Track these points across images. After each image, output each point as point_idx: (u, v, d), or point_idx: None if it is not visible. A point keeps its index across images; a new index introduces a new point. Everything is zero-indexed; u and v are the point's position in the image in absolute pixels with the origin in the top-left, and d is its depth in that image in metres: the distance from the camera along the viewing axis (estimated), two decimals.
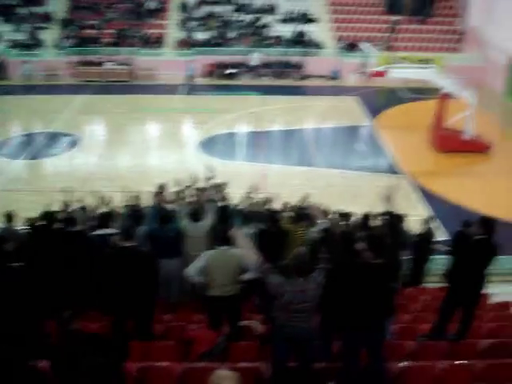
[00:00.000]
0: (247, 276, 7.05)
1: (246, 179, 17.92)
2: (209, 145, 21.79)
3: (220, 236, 7.28)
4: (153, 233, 8.67)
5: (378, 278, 5.92)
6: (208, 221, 8.83)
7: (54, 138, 22.49)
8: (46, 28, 33.71)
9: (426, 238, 10.99)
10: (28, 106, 26.86)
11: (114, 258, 6.83)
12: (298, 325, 5.89)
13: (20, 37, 32.73)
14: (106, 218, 8.63)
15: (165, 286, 8.69)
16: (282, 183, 18.05)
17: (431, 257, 11.26)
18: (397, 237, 8.79)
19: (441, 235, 13.53)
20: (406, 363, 6.26)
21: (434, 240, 11.32)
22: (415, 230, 11.09)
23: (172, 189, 11.11)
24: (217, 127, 23.85)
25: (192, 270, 7.22)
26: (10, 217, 9.09)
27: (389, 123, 24.65)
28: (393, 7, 34.65)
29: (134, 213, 9.63)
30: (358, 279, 5.89)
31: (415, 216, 13.60)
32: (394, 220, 9.13)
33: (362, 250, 5.93)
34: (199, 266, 7.17)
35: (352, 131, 24.13)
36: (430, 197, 17.53)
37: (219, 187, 11.09)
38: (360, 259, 5.96)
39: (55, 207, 10.07)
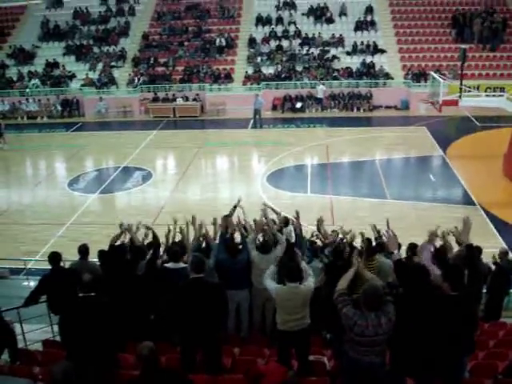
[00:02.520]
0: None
1: (313, 211, 17.94)
2: (277, 177, 21.86)
3: (290, 272, 7.16)
4: (221, 264, 8.71)
5: (457, 312, 5.72)
6: (277, 253, 8.79)
7: (127, 172, 23.15)
8: (119, 66, 35.02)
9: (503, 270, 10.58)
10: (102, 141, 27.85)
11: (184, 290, 6.93)
12: (368, 359, 5.76)
13: (94, 75, 34.08)
14: (177, 251, 8.72)
15: (234, 317, 8.71)
16: (351, 215, 17.86)
17: (510, 290, 10.84)
18: (474, 269, 8.52)
19: None
20: None
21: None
22: (491, 262, 10.72)
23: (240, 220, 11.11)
24: (285, 160, 23.95)
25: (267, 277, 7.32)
26: (83, 250, 9.31)
27: (461, 153, 24.09)
28: (462, 35, 34.17)
29: (203, 245, 9.70)
30: (435, 312, 5.71)
31: (490, 248, 13.17)
32: (470, 252, 8.86)
33: (439, 282, 5.78)
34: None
35: (423, 161, 23.68)
36: (504, 228, 16.89)
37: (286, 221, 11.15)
38: (437, 291, 5.80)
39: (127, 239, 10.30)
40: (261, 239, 9.57)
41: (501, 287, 10.52)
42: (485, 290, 10.21)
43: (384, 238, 9.61)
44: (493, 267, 10.61)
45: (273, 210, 11.30)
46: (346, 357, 5.90)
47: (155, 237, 9.31)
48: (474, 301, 6.52)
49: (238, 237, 9.99)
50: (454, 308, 5.71)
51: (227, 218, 10.00)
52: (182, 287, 7.05)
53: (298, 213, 10.18)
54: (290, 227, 11.54)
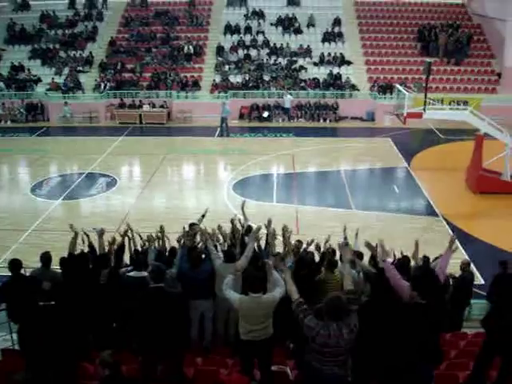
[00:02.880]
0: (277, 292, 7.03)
1: (279, 220, 17.96)
2: (243, 186, 21.87)
3: (253, 283, 7.12)
4: (183, 274, 8.65)
5: (425, 320, 5.77)
6: (241, 263, 8.76)
7: (91, 178, 22.89)
8: (85, 71, 34.68)
9: (465, 281, 10.73)
10: (66, 147, 27.52)
11: (143, 299, 6.87)
12: (330, 370, 5.76)
13: (60, 80, 33.68)
14: (140, 260, 8.66)
15: (197, 326, 8.66)
16: (316, 225, 17.96)
17: (471, 301, 11.00)
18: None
19: (478, 278, 13.24)
20: None
21: (473, 283, 11.07)
22: (453, 273, 10.88)
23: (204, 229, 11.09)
24: (251, 168, 23.99)
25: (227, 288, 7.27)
26: (46, 258, 9.15)
27: (424, 164, 24.45)
28: (427, 49, 34.77)
29: (165, 254, 9.65)
30: (404, 320, 5.74)
31: (452, 259, 13.36)
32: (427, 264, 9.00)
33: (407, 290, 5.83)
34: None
35: (387, 173, 23.97)
36: (466, 239, 17.14)
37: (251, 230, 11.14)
38: (404, 299, 5.84)
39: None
40: (225, 248, 9.57)
41: (462, 298, 10.67)
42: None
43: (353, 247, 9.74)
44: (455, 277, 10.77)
45: (244, 215, 11.24)
46: (308, 367, 5.89)
47: (123, 244, 9.23)
48: (441, 309, 6.56)
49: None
50: (423, 316, 5.75)
51: (193, 226, 9.97)
52: (141, 296, 6.98)
53: (270, 222, 10.21)
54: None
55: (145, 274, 8.15)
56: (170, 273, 8.45)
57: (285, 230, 10.20)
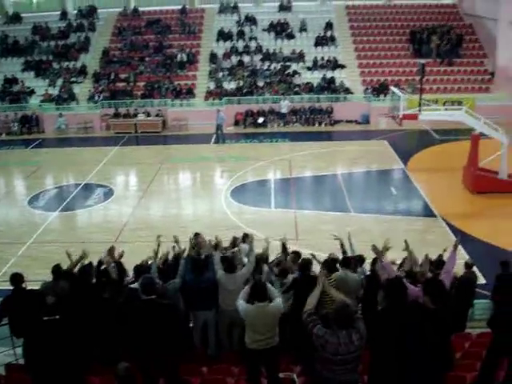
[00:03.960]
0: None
1: (277, 226, 17.99)
2: (240, 192, 21.86)
3: (257, 291, 7.11)
4: (187, 283, 8.63)
5: (437, 325, 5.73)
6: (244, 272, 8.75)
7: (88, 189, 22.84)
8: (79, 82, 34.67)
9: (467, 282, 10.71)
10: (62, 158, 27.47)
11: (135, 312, 6.85)
12: (343, 378, 5.72)
13: (54, 91, 33.64)
14: (140, 271, 8.63)
15: (199, 334, 8.63)
16: (314, 229, 17.96)
17: (474, 301, 10.99)
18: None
19: (479, 278, 13.22)
20: None
21: (476, 284, 11.06)
22: (455, 273, 10.86)
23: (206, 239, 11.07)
24: (248, 175, 23.99)
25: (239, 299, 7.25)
26: (56, 271, 9.08)
27: (421, 166, 24.47)
28: (420, 51, 34.87)
29: (165, 265, 9.60)
30: (417, 326, 5.71)
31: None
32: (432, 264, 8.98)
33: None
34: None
35: (384, 175, 23.99)
36: (465, 239, 17.09)
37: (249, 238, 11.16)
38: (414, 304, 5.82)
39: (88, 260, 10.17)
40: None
41: (465, 299, 10.65)
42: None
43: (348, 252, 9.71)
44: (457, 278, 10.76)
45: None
46: (319, 376, 5.84)
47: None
48: (451, 315, 6.54)
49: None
50: (435, 322, 5.73)
51: (198, 236, 9.99)
52: (132, 310, 6.96)
53: (284, 243, 10.23)
54: (246, 245, 11.53)
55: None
56: (172, 283, 8.42)
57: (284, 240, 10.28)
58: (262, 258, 9.49)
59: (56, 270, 8.95)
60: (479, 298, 11.78)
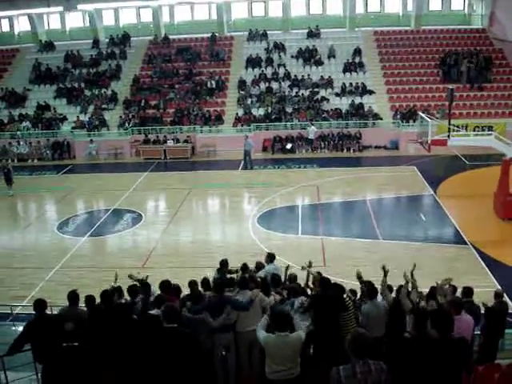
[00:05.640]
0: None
1: (304, 253, 17.87)
2: (268, 219, 21.80)
3: (278, 320, 6.98)
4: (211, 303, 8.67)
5: (448, 356, 5.58)
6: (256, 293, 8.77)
7: (117, 215, 23.02)
8: (110, 109, 35.21)
9: (498, 311, 10.45)
10: (92, 184, 27.81)
11: (155, 339, 6.76)
12: None
13: (85, 118, 34.23)
14: (161, 298, 8.61)
15: (220, 361, 8.55)
16: (342, 256, 17.78)
17: (506, 331, 10.70)
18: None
19: (511, 307, 12.91)
20: None
21: (507, 313, 10.79)
22: (486, 302, 10.62)
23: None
24: (275, 201, 23.94)
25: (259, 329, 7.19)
26: (72, 297, 9.13)
27: (451, 192, 24.16)
28: (449, 75, 34.66)
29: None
30: (428, 357, 5.56)
31: (483, 287, 13.08)
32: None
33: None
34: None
35: (413, 201, 23.72)
36: (496, 267, 16.77)
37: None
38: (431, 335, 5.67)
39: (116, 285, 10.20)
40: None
41: (495, 328, 10.38)
42: (478, 332, 10.10)
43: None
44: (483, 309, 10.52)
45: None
46: None
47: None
48: (464, 345, 6.36)
49: None
50: (444, 352, 5.59)
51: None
52: (153, 337, 6.86)
53: (311, 263, 10.17)
54: (274, 266, 11.51)
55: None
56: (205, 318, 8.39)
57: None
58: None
59: (72, 295, 8.97)
60: (510, 328, 11.49)
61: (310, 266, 10.19)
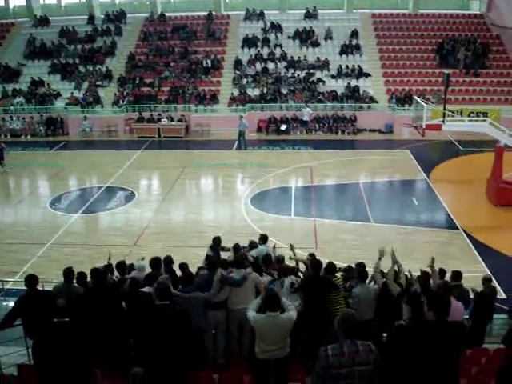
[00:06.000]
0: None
1: (297, 234, 17.94)
2: (261, 199, 21.81)
3: (269, 300, 7.01)
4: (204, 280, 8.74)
5: (445, 340, 5.61)
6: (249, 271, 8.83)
7: (110, 192, 22.97)
8: (104, 86, 34.98)
9: (487, 296, 10.54)
10: (85, 161, 27.71)
11: (149, 317, 6.82)
12: None
13: (79, 94, 34.00)
14: (153, 275, 8.64)
15: (211, 338, 8.61)
16: (334, 238, 17.84)
17: (493, 316, 10.80)
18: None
19: (500, 292, 13.01)
20: None
21: (495, 298, 10.87)
22: (475, 288, 10.71)
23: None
24: (269, 182, 23.94)
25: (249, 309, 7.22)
26: (68, 274, 9.13)
27: (444, 176, 24.23)
28: (446, 61, 34.56)
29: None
30: (425, 341, 5.59)
31: (473, 273, 13.16)
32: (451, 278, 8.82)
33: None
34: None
35: (406, 185, 23.75)
36: (487, 253, 16.87)
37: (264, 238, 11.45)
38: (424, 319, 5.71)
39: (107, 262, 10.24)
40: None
41: (483, 313, 10.48)
42: (467, 316, 10.19)
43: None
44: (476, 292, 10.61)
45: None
46: None
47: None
48: (459, 328, 6.39)
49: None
50: (441, 336, 5.62)
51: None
52: (146, 314, 6.91)
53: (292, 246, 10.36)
54: (266, 247, 11.55)
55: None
56: (202, 295, 8.42)
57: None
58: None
59: (67, 272, 8.99)
60: (499, 313, 11.59)
61: (291, 248, 10.31)
